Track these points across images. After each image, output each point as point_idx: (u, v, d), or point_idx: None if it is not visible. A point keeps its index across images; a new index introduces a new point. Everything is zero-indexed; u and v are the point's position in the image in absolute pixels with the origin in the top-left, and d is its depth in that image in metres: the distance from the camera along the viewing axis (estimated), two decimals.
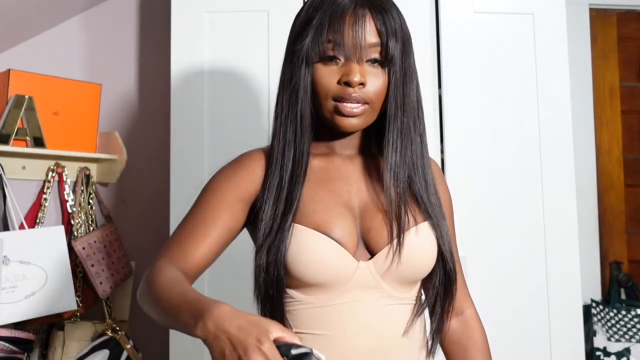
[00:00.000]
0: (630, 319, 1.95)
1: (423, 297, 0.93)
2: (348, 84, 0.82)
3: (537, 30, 1.64)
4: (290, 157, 0.86)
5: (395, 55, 0.84)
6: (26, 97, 1.66)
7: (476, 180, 1.59)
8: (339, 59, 0.83)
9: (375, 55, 0.84)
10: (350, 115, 0.83)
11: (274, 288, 0.83)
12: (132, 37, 2.00)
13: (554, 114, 1.63)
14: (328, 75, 0.83)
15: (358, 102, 0.83)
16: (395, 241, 0.84)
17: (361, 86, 0.82)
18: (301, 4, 1.60)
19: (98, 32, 1.97)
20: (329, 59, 0.83)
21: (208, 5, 1.62)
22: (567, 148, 1.62)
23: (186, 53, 1.62)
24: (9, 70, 1.67)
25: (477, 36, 1.63)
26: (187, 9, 1.63)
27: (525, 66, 1.63)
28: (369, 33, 0.83)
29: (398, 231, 0.85)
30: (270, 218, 0.83)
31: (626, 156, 2.17)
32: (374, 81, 0.84)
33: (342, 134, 0.89)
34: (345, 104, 0.83)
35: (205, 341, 0.65)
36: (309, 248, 0.81)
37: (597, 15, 2.18)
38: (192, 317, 0.68)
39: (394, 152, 0.87)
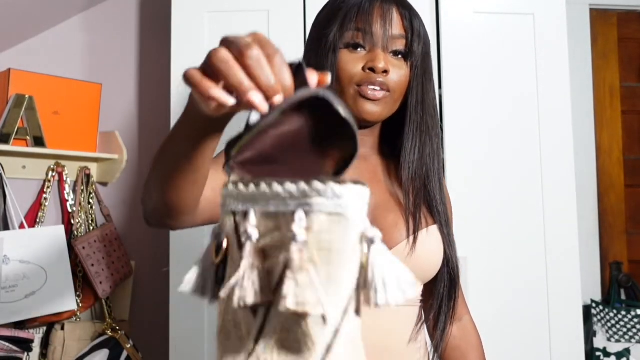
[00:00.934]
0: (630, 320, 1.95)
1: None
2: (373, 69, 0.84)
3: (537, 30, 1.64)
4: None
5: (418, 52, 0.87)
6: (26, 96, 1.66)
7: (476, 180, 1.59)
8: (364, 48, 0.85)
9: (400, 47, 0.86)
10: (373, 98, 0.84)
11: None
12: (132, 37, 2.00)
13: (554, 114, 1.62)
14: (353, 62, 0.85)
15: (382, 88, 0.84)
16: (410, 239, 0.85)
17: (385, 74, 0.84)
18: (301, 4, 1.61)
19: (98, 31, 1.97)
20: (354, 47, 0.85)
21: (208, 5, 1.62)
22: (568, 148, 1.62)
23: (186, 53, 1.62)
24: (9, 70, 1.67)
25: (477, 36, 1.63)
26: (187, 8, 1.63)
27: (525, 66, 1.63)
28: (396, 26, 0.85)
29: (414, 228, 0.86)
30: None
31: (626, 156, 2.17)
32: (397, 71, 0.86)
33: (361, 129, 0.90)
34: (367, 89, 0.84)
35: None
36: None
37: (598, 16, 2.18)
38: (183, 116, 0.58)
39: (413, 147, 0.88)
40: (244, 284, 0.39)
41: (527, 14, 1.65)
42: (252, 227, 0.40)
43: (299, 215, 0.39)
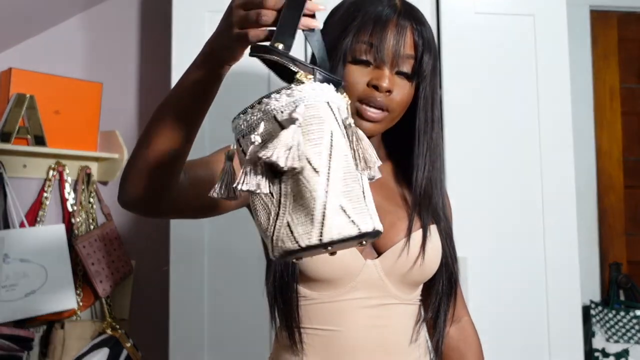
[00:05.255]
0: (629, 320, 1.96)
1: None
2: (376, 87, 0.84)
3: (537, 31, 1.64)
4: None
5: (428, 70, 0.87)
6: (27, 95, 1.67)
7: (476, 181, 1.59)
8: (371, 63, 0.85)
9: (407, 68, 0.86)
10: (371, 120, 0.85)
11: (287, 282, 0.83)
12: (133, 36, 2.01)
13: (554, 115, 1.63)
14: (359, 76, 0.85)
15: (381, 108, 0.85)
16: (407, 239, 0.86)
17: (388, 93, 0.84)
18: None
19: (99, 30, 1.97)
20: (361, 61, 0.85)
21: (209, 4, 1.62)
22: (568, 149, 1.62)
23: (187, 52, 1.62)
24: (10, 69, 1.68)
25: (478, 37, 1.63)
26: (188, 8, 1.63)
27: (525, 67, 1.64)
28: (408, 45, 0.85)
29: (423, 232, 0.87)
30: None
31: (626, 157, 2.17)
32: (400, 91, 0.86)
33: None
34: (367, 108, 0.84)
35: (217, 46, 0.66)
36: None
37: (598, 17, 2.18)
38: (191, 68, 0.70)
39: (423, 166, 0.90)
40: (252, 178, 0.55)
41: (528, 14, 1.65)
42: (257, 135, 0.55)
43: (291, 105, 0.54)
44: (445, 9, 1.62)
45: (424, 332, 0.93)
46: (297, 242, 0.52)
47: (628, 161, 2.17)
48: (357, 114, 0.85)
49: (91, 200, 1.84)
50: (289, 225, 0.53)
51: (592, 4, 2.15)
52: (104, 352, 1.65)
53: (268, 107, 0.56)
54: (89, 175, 1.85)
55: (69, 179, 1.81)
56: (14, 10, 1.70)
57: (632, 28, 2.21)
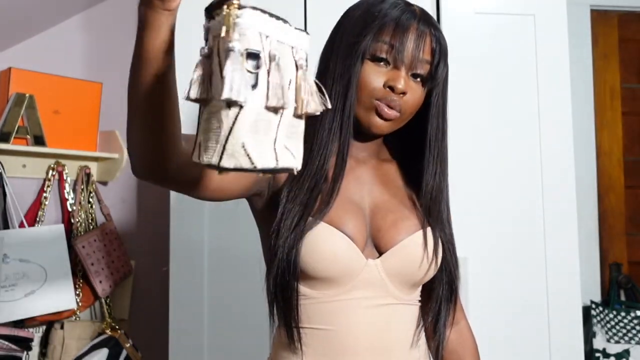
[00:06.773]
0: (630, 321, 1.95)
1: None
2: (392, 88, 0.85)
3: (538, 31, 1.64)
4: (334, 149, 0.87)
5: (442, 78, 0.89)
6: (27, 95, 1.66)
7: (476, 181, 1.59)
8: (388, 63, 0.86)
9: (423, 72, 0.87)
10: (387, 118, 0.86)
11: (287, 280, 0.83)
12: (133, 36, 1.99)
13: (554, 114, 1.62)
14: (376, 75, 0.86)
15: (395, 108, 0.86)
16: (410, 238, 0.87)
17: (402, 95, 0.86)
18: (302, 4, 1.61)
19: (99, 30, 1.97)
20: (379, 60, 0.86)
21: (208, 4, 1.62)
22: (568, 149, 1.62)
23: (187, 52, 1.61)
24: (10, 69, 1.68)
25: (478, 37, 1.63)
26: (187, 6, 1.62)
27: (526, 67, 1.63)
28: (426, 50, 0.87)
29: (433, 231, 0.88)
30: (299, 212, 0.83)
31: (626, 157, 2.17)
32: (413, 94, 0.87)
33: (364, 136, 0.91)
34: (384, 107, 0.86)
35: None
36: (323, 240, 0.82)
37: (599, 17, 2.18)
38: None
39: (433, 174, 0.91)
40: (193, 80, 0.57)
41: (528, 14, 1.65)
42: (237, 42, 0.54)
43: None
44: (445, 9, 1.62)
45: (424, 335, 0.93)
46: (251, 160, 0.53)
47: (628, 161, 2.17)
48: (375, 110, 0.86)
49: (91, 200, 1.84)
50: (243, 146, 0.53)
51: (592, 4, 2.15)
52: (104, 352, 1.65)
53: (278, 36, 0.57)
54: (88, 175, 1.84)
55: (69, 179, 1.81)
56: (14, 10, 1.69)
57: (632, 28, 2.21)
